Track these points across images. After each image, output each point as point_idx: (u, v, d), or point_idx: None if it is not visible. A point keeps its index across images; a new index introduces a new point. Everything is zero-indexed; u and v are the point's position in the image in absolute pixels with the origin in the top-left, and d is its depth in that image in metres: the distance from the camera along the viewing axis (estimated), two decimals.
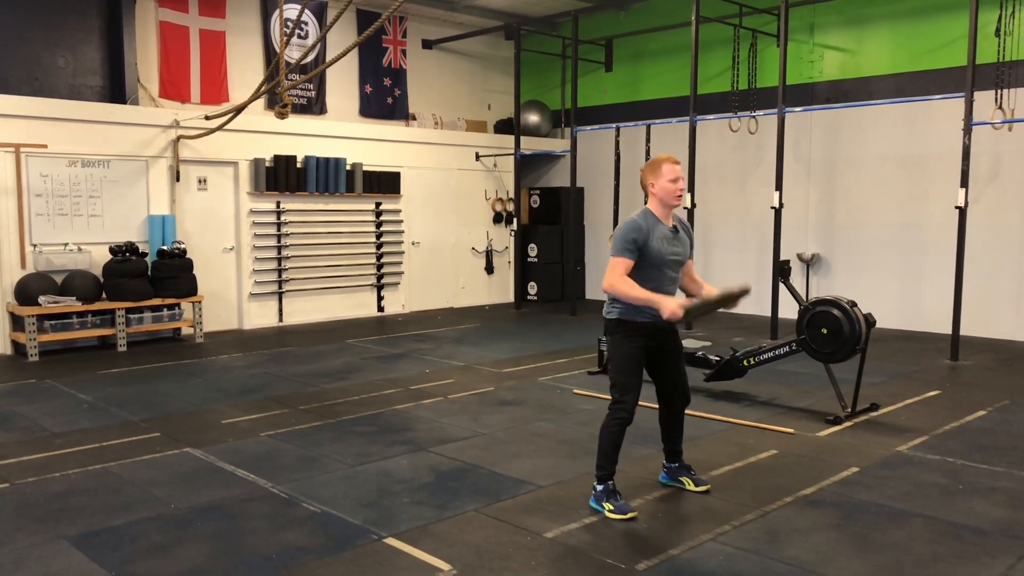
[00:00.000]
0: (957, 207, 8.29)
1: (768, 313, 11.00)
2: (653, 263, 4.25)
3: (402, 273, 11.97)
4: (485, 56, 13.92)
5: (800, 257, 10.99)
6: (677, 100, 12.12)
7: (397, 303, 11.98)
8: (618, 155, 11.15)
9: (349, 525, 4.14)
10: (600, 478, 4.34)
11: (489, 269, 13.03)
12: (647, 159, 10.80)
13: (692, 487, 4.61)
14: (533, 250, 13.04)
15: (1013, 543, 3.88)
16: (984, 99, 8.63)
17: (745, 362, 6.65)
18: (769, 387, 7.06)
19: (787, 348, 6.43)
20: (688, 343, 7.18)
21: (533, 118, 13.20)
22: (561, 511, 4.32)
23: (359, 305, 11.60)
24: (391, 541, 3.95)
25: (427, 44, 13.13)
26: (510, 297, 13.36)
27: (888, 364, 8.13)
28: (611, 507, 4.24)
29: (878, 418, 6.15)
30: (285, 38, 8.03)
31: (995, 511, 4.28)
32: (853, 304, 6.03)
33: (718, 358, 6.82)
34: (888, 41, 10.37)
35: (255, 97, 8.32)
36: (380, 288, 11.77)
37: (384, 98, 12.67)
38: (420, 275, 12.20)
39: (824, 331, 6.07)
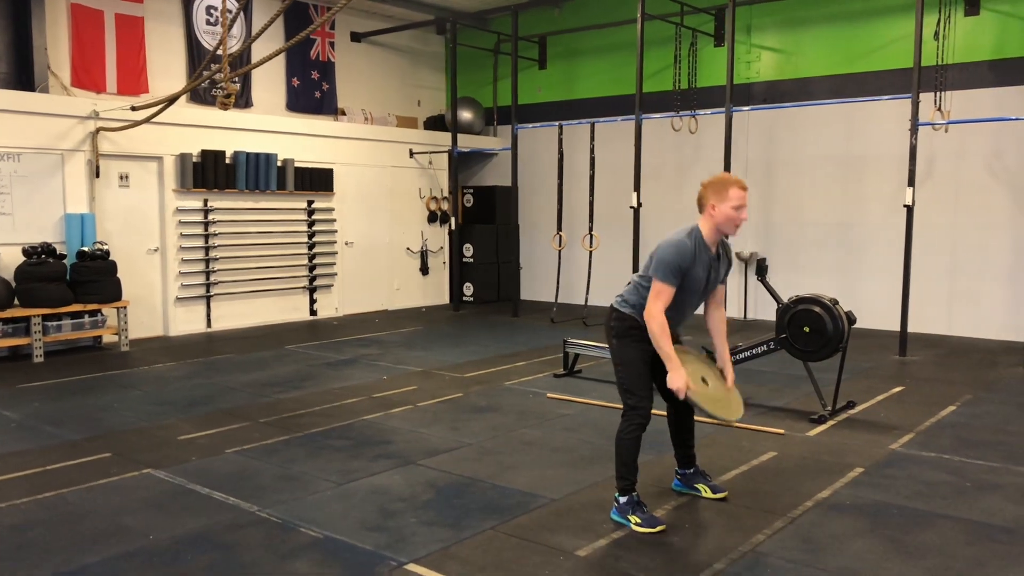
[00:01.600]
0: (905, 205, 8.47)
1: (729, 314, 11.06)
2: (686, 289, 4.03)
3: (335, 275, 11.47)
4: (415, 51, 13.52)
5: (739, 256, 11.07)
6: (613, 99, 12.06)
7: (330, 306, 11.46)
8: (561, 153, 10.97)
9: (361, 552, 3.77)
10: (623, 489, 4.11)
11: (424, 270, 12.66)
12: (591, 157, 10.69)
13: (710, 494, 4.43)
14: (469, 250, 12.74)
15: None
16: (922, 101, 8.84)
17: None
18: (743, 388, 6.97)
19: (766, 347, 6.36)
20: None
21: (466, 115, 12.89)
22: (583, 526, 4.06)
23: (291, 309, 11.04)
24: (413, 568, 3.61)
25: (356, 37, 12.65)
26: (446, 298, 13.03)
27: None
28: (638, 520, 4.02)
29: (858, 416, 6.16)
30: (227, 23, 7.49)
31: (1013, 508, 4.27)
32: (835, 302, 6.00)
33: None
34: (825, 43, 10.55)
35: (192, 86, 7.75)
36: (313, 291, 11.24)
37: (312, 92, 12.12)
38: (354, 277, 11.72)
39: (807, 329, 6.02)
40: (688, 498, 4.43)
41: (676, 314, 4.11)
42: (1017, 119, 8.92)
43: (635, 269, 10.25)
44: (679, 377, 3.94)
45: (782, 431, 5.70)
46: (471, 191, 13.21)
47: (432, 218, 12.71)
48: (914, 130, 8.37)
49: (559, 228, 11.00)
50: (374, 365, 8.09)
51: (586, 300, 10.94)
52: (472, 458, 5.14)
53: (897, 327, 8.70)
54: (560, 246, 11.01)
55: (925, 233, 9.74)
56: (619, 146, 11.51)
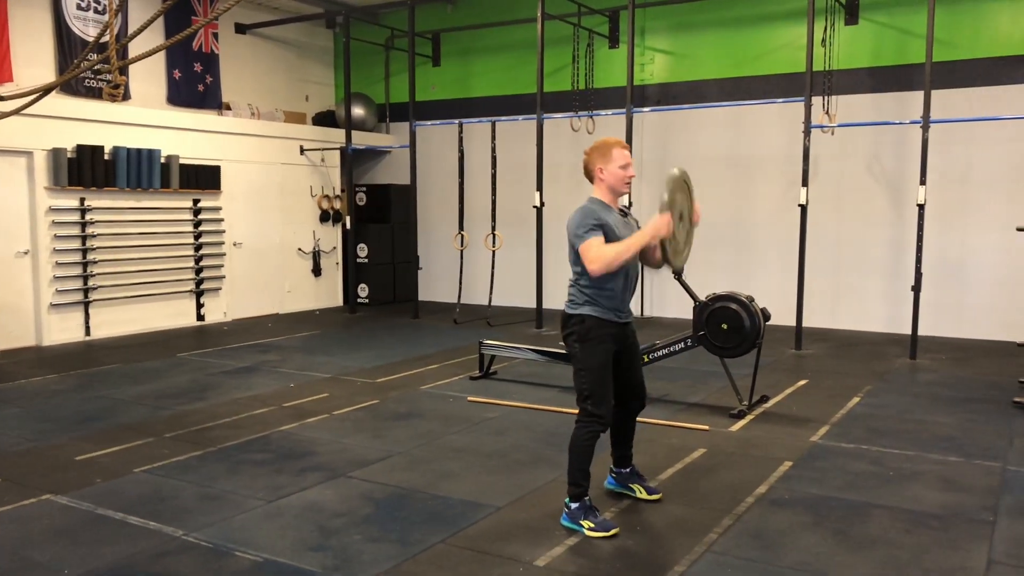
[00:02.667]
0: (800, 205, 8.80)
1: None
2: (614, 241, 3.97)
3: (223, 277, 10.92)
4: (303, 44, 13.05)
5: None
6: (509, 98, 12.02)
7: (219, 310, 10.90)
8: (462, 152, 10.83)
9: (307, 575, 3.54)
10: (575, 495, 4.03)
11: (317, 271, 12.23)
12: (493, 156, 10.60)
13: (644, 495, 4.41)
14: (363, 250, 12.40)
15: (974, 527, 4.04)
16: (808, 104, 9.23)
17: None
18: (656, 384, 7.05)
19: (683, 344, 6.45)
20: None
21: (359, 111, 12.54)
22: (536, 534, 3.96)
23: (177, 314, 10.42)
24: None
25: (240, 28, 12.08)
26: (339, 300, 12.65)
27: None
28: (591, 525, 3.95)
29: (773, 409, 6.33)
30: (115, 8, 6.94)
31: (937, 495, 4.47)
32: (751, 299, 6.15)
33: None
34: (715, 47, 10.85)
35: (73, 75, 7.14)
36: (200, 295, 10.65)
37: (195, 85, 11.48)
38: (243, 279, 11.19)
39: (724, 327, 6.14)
40: (629, 501, 4.39)
41: (622, 284, 4.03)
42: (895, 123, 9.42)
43: (539, 269, 10.25)
44: (658, 224, 3.86)
45: (707, 427, 5.78)
46: (363, 189, 12.86)
47: (324, 217, 12.31)
48: (807, 132, 8.72)
49: (460, 227, 10.86)
50: (277, 372, 7.72)
51: (489, 300, 10.85)
52: (404, 468, 4.95)
53: (788, 322, 9.02)
54: (462, 246, 10.87)
55: (811, 231, 10.08)
56: (516, 145, 11.47)
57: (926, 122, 8.14)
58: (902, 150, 9.79)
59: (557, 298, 11.59)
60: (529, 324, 10.50)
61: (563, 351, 6.91)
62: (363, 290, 12.38)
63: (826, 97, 9.42)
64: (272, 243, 11.57)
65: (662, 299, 11.32)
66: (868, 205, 10.06)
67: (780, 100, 9.51)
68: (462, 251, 10.95)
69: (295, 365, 8.03)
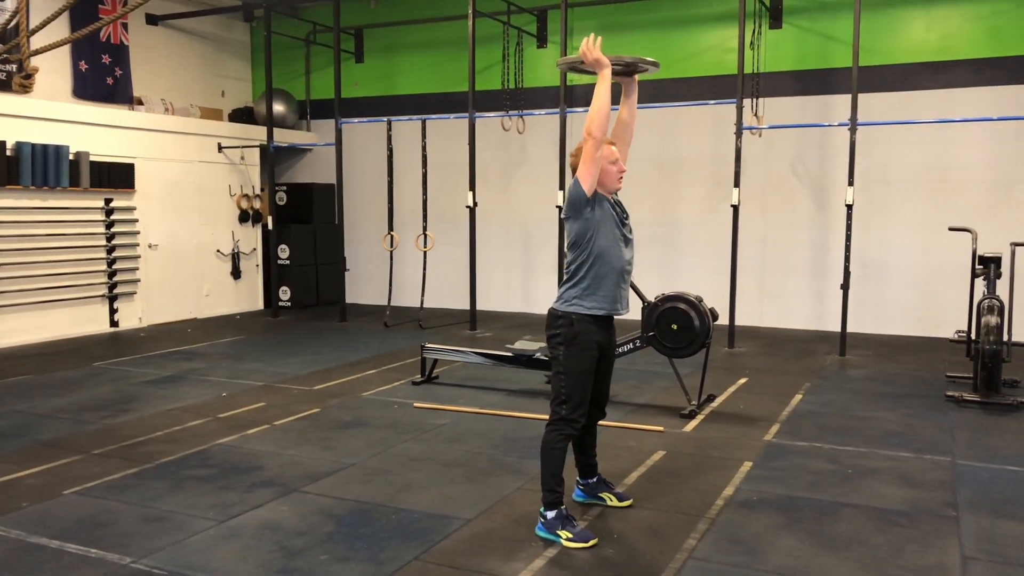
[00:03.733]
0: (732, 205, 8.91)
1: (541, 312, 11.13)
2: (608, 232, 3.90)
3: (138, 281, 10.35)
4: (218, 38, 12.53)
5: (559, 255, 11.22)
6: (435, 96, 11.83)
7: (133, 316, 10.33)
8: (390, 150, 10.56)
9: None
10: (551, 503, 3.91)
11: (236, 274, 11.75)
12: (423, 155, 10.38)
13: (615, 502, 4.32)
14: (284, 251, 11.98)
15: (940, 523, 4.10)
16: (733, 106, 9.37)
17: None
18: None
19: (632, 345, 6.41)
20: (522, 344, 6.93)
21: (278, 108, 12.11)
22: (512, 547, 3.82)
23: (88, 320, 9.82)
24: None
25: (152, 19, 11.49)
26: (260, 304, 12.19)
27: None
28: (569, 535, 3.83)
29: (721, 409, 6.35)
30: None
31: (899, 492, 4.53)
32: (700, 299, 6.15)
33: None
34: (643, 49, 10.91)
35: None
36: (113, 299, 10.06)
37: (103, 77, 10.86)
38: (159, 283, 10.64)
39: (674, 327, 6.13)
40: (599, 509, 4.29)
41: (615, 279, 3.93)
42: (824, 125, 9.65)
43: (472, 270, 10.10)
44: (586, 48, 3.76)
45: (661, 428, 5.75)
46: (283, 188, 12.43)
47: (244, 217, 11.83)
48: (739, 134, 8.84)
49: (390, 228, 10.60)
50: (205, 381, 7.34)
51: (421, 302, 10.62)
52: (360, 480, 4.73)
53: (719, 321, 9.10)
54: (392, 246, 10.60)
55: (739, 231, 10.31)
56: (445, 144, 11.30)
57: (853, 124, 8.36)
58: (825, 152, 10.05)
59: (491, 299, 11.55)
60: (463, 326, 10.33)
61: (508, 354, 6.83)
62: (285, 293, 11.97)
63: (755, 100, 9.58)
64: (189, 245, 11.05)
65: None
66: (792, 206, 10.30)
67: (712, 102, 9.62)
68: (392, 252, 10.69)
69: (224, 373, 7.65)
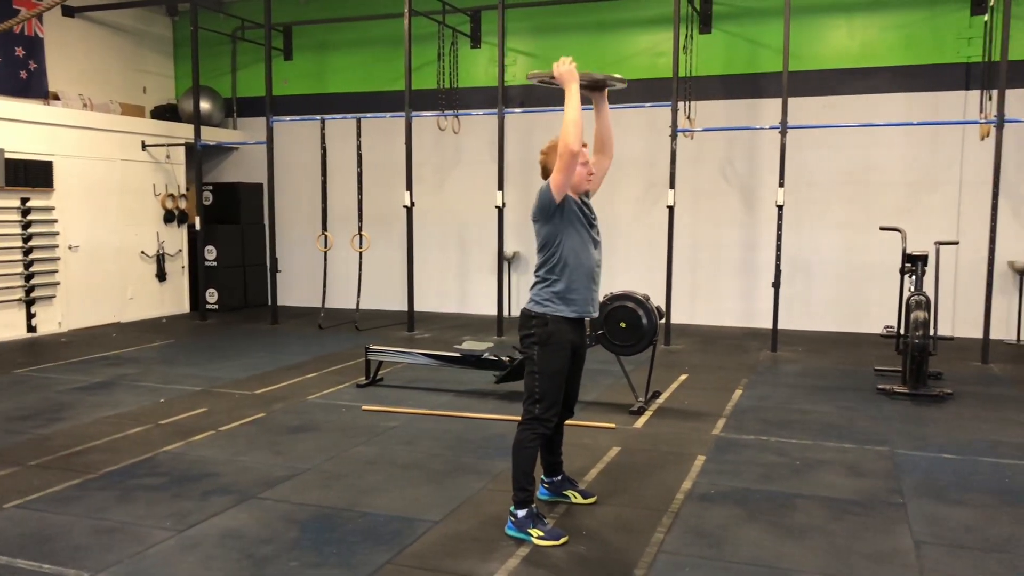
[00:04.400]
0: (668, 206, 9.08)
1: (485, 312, 11.20)
2: (579, 233, 3.97)
3: (58, 284, 9.91)
4: (138, 32, 12.09)
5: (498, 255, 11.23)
6: (367, 95, 11.70)
7: (53, 320, 9.89)
8: (324, 149, 10.38)
9: None
10: (521, 502, 3.92)
11: (161, 276, 11.37)
12: (359, 154, 10.25)
13: (580, 500, 4.37)
14: (211, 253, 11.65)
15: (890, 510, 4.28)
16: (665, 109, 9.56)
17: None
18: None
19: None
20: (469, 345, 6.92)
21: (204, 105, 11.76)
22: (484, 547, 3.82)
23: (4, 326, 9.35)
24: None
25: (69, 11, 11.02)
26: (186, 306, 11.82)
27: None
28: (540, 533, 3.85)
29: (666, 405, 6.48)
30: None
31: (848, 481, 4.71)
32: (647, 297, 6.26)
33: (508, 359, 6.65)
34: (577, 51, 11.01)
35: None
36: (31, 303, 9.61)
37: (16, 71, 10.35)
38: (80, 286, 10.20)
39: (623, 325, 6.22)
40: (564, 506, 4.32)
41: (586, 281, 3.97)
42: (756, 128, 9.91)
43: (410, 271, 10.02)
44: (560, 66, 3.84)
45: (613, 425, 5.82)
46: (209, 188, 12.09)
47: (169, 218, 11.45)
48: (674, 136, 9.01)
49: (324, 228, 10.42)
50: (139, 387, 7.08)
51: (357, 304, 10.48)
52: (319, 485, 4.64)
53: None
54: (326, 247, 10.43)
55: (665, 232, 10.51)
56: (378, 143, 11.19)
57: (784, 127, 8.63)
58: (753, 155, 10.35)
59: (427, 300, 11.46)
60: (400, 327, 10.24)
61: (456, 355, 6.82)
62: (212, 296, 11.64)
63: (687, 103, 9.79)
64: (112, 246, 10.64)
65: (523, 299, 11.36)
66: (721, 207, 10.56)
67: (649, 105, 9.78)
68: (326, 252, 10.51)
69: (158, 378, 7.40)
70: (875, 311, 9.92)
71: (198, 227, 11.07)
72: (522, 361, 6.46)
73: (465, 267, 11.66)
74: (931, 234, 9.12)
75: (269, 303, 10.92)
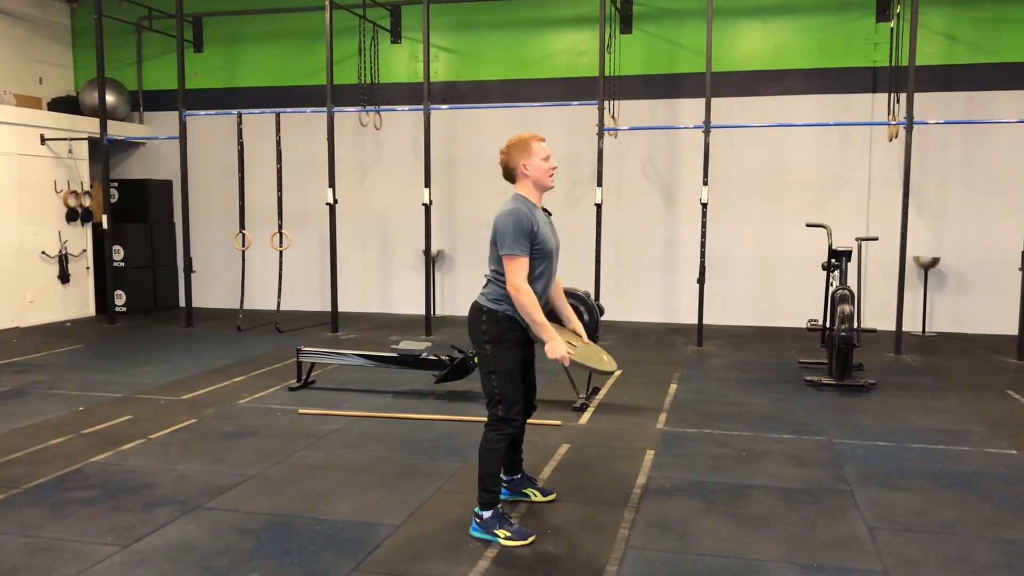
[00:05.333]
0: (596, 204, 9.16)
1: (409, 311, 11.09)
2: (544, 253, 3.89)
3: None
4: (33, 19, 11.42)
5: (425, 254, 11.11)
6: (284, 90, 11.39)
7: None
8: (241, 144, 10.02)
9: None
10: (487, 503, 3.86)
11: (64, 277, 10.75)
12: (278, 150, 9.95)
13: (540, 498, 4.34)
14: (119, 253, 11.10)
15: (839, 498, 4.41)
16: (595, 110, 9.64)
17: (476, 359, 6.50)
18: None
19: None
20: (407, 345, 6.80)
21: (109, 98, 11.19)
22: (450, 550, 3.74)
23: None
24: None
25: None
26: (91, 309, 11.23)
27: None
28: (508, 534, 3.80)
29: (606, 401, 6.52)
30: None
31: (794, 471, 4.83)
32: (588, 294, 6.29)
33: (448, 358, 6.56)
34: (499, 48, 11.00)
35: None
36: None
37: None
38: None
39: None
40: (525, 505, 4.28)
41: (544, 285, 3.95)
42: (680, 128, 10.09)
43: (333, 270, 9.79)
44: (558, 346, 3.81)
45: (559, 422, 5.82)
46: (115, 185, 11.50)
47: (72, 216, 10.85)
48: (601, 135, 9.09)
49: (242, 226, 10.07)
50: (53, 395, 6.67)
51: (278, 304, 10.15)
52: (266, 492, 4.46)
53: None
54: (243, 246, 10.08)
55: (594, 229, 10.62)
56: (296, 139, 10.91)
57: (708, 127, 8.82)
58: (673, 153, 10.55)
59: (348, 300, 11.20)
60: (323, 328, 10.00)
61: (393, 355, 6.69)
62: (120, 298, 11.09)
63: (612, 102, 9.90)
64: (10, 246, 10.00)
65: (454, 298, 11.30)
66: (643, 205, 10.73)
67: (576, 103, 9.85)
68: (244, 252, 10.16)
69: (73, 385, 6.99)
70: (789, 306, 10.28)
71: (105, 226, 10.51)
72: (463, 360, 6.46)
73: (387, 266, 11.49)
74: (842, 231, 9.52)
75: (182, 305, 10.49)
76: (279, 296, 10.13)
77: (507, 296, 3.85)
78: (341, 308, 10.68)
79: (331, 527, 3.98)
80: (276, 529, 3.95)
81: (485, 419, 3.97)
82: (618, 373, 7.49)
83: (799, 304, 10.15)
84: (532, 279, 3.84)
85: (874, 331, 7.48)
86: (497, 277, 3.92)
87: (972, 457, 5.09)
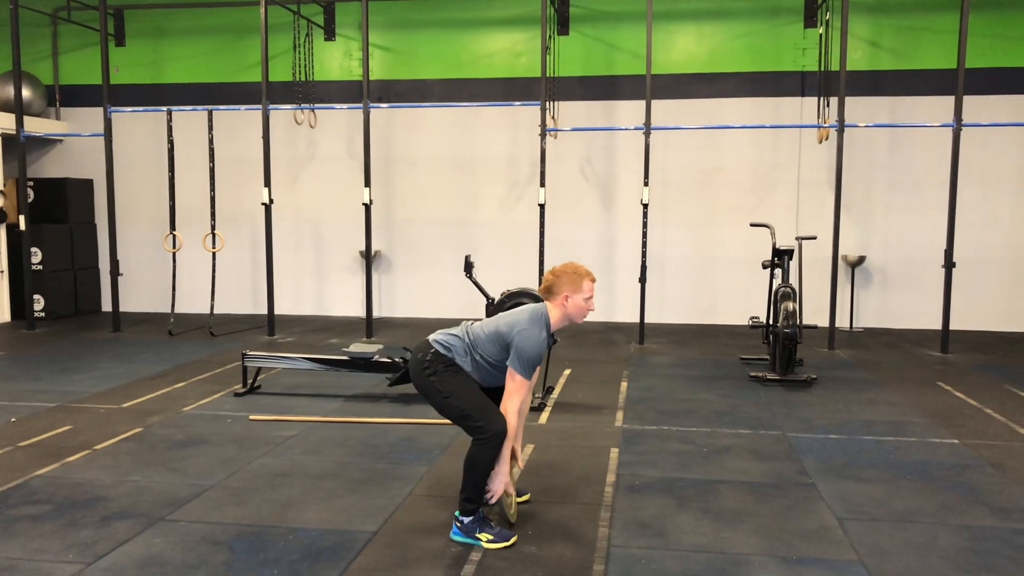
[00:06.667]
0: (540, 204, 9.19)
1: (346, 313, 10.95)
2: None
3: None
4: None
5: (362, 254, 10.94)
6: (211, 86, 11.05)
7: None
8: (171, 143, 9.65)
9: None
10: (469, 510, 3.81)
11: None
12: (211, 149, 9.65)
13: (515, 499, 4.31)
14: (36, 255, 10.56)
15: (804, 490, 4.52)
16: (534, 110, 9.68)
17: None
18: None
19: None
20: (359, 347, 6.68)
21: (24, 92, 10.63)
22: (434, 556, 3.68)
23: None
24: None
25: None
26: (6, 315, 10.67)
27: None
28: (490, 536, 3.77)
29: (562, 400, 6.54)
30: None
31: (756, 465, 4.93)
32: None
33: (402, 360, 6.47)
34: (436, 47, 10.92)
35: None
36: None
37: None
38: None
39: None
40: (499, 507, 4.25)
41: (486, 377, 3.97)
42: (621, 129, 10.20)
43: (269, 272, 9.54)
44: (501, 482, 3.84)
45: None
46: (30, 184, 10.96)
47: None
48: (543, 135, 9.12)
49: (172, 227, 9.71)
50: None
51: (211, 308, 9.82)
52: (231, 502, 4.31)
53: None
54: (175, 247, 9.73)
55: (534, 229, 10.64)
56: (224, 137, 10.56)
57: (648, 128, 8.95)
58: (610, 155, 10.67)
59: (281, 303, 10.90)
60: (259, 332, 9.74)
61: (343, 358, 6.57)
62: (38, 303, 10.56)
63: (552, 103, 9.94)
64: None
65: (392, 299, 11.17)
66: (581, 205, 10.81)
67: (518, 104, 9.86)
68: (175, 253, 9.81)
69: (0, 396, 6.62)
70: (724, 304, 10.52)
71: (22, 227, 9.99)
72: None
73: (321, 267, 11.27)
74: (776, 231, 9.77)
75: (105, 309, 10.07)
76: (212, 299, 9.81)
77: (468, 361, 3.87)
78: (275, 311, 10.44)
79: (306, 535, 3.87)
80: (249, 540, 3.82)
81: (447, 422, 3.93)
82: (568, 372, 7.53)
83: (734, 302, 10.42)
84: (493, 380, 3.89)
85: (815, 327, 7.71)
86: (470, 346, 3.89)
87: (919, 447, 5.29)
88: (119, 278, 9.97)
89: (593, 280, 4.00)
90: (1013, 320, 10.06)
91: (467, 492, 3.80)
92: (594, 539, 3.84)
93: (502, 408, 3.78)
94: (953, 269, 8.51)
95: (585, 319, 4.02)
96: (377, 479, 4.66)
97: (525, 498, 4.33)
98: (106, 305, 11.32)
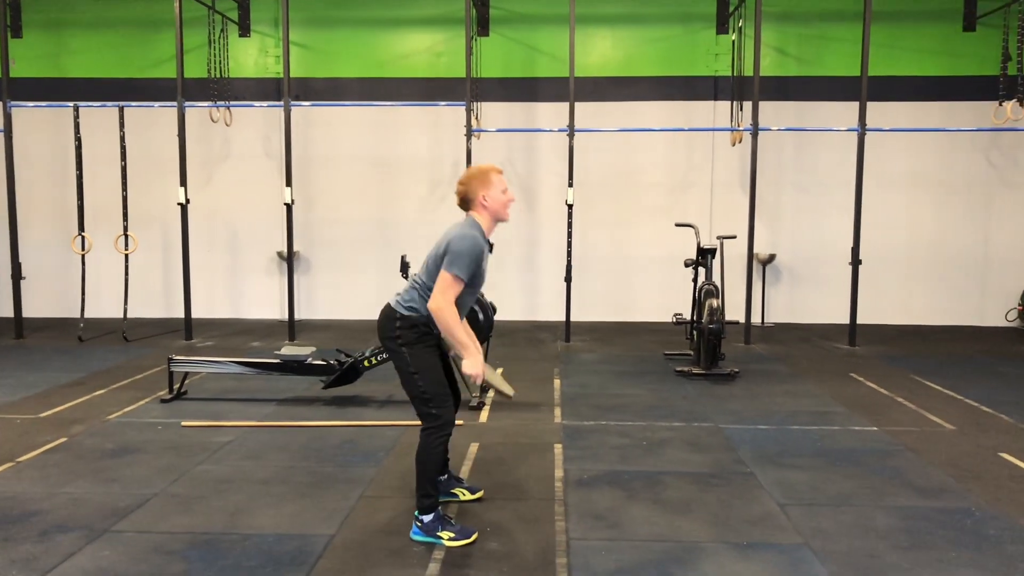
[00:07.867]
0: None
1: (264, 316, 10.76)
2: (476, 284, 3.91)
3: None
4: None
5: (280, 255, 10.74)
6: (117, 82, 10.64)
7: None
8: (79, 140, 9.20)
9: None
10: (427, 507, 3.83)
11: None
12: (123, 147, 9.28)
13: (468, 496, 4.35)
14: None
15: (744, 479, 4.71)
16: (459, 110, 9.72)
17: (366, 363, 6.39)
18: (376, 387, 6.85)
19: None
20: (291, 350, 6.56)
21: None
22: (396, 556, 3.68)
23: None
24: None
25: None
26: None
27: None
28: (451, 535, 3.80)
29: (500, 398, 6.55)
30: None
31: (696, 457, 5.11)
32: (482, 294, 6.32)
33: (337, 362, 6.40)
34: (354, 45, 10.80)
35: None
36: None
37: None
38: None
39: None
40: (454, 505, 4.27)
41: (462, 313, 3.97)
42: (547, 131, 10.32)
43: (186, 274, 9.25)
44: (477, 363, 3.83)
45: (461, 421, 5.78)
46: None
47: None
48: (469, 136, 9.15)
49: (81, 228, 9.29)
50: None
51: (124, 312, 9.43)
52: (177, 510, 4.19)
53: None
54: (83, 249, 9.31)
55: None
56: (133, 134, 10.18)
57: (572, 130, 9.10)
58: (531, 156, 10.79)
59: (196, 306, 10.54)
60: (175, 336, 9.43)
61: (275, 361, 6.45)
62: None
63: (476, 103, 9.98)
64: None
65: (311, 301, 10.99)
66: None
67: (442, 104, 9.86)
68: (84, 256, 9.38)
69: None
70: (643, 302, 10.80)
71: None
72: (352, 365, 6.32)
73: (237, 269, 11.00)
74: (689, 231, 10.09)
75: (7, 315, 9.54)
76: (125, 303, 9.42)
77: (426, 310, 3.83)
78: (203, 316, 10.17)
79: (262, 541, 3.80)
80: (202, 548, 3.73)
81: (390, 423, 3.92)
82: (500, 371, 7.58)
83: (652, 300, 10.70)
84: (456, 305, 3.84)
85: (738, 323, 8.00)
86: (424, 288, 3.88)
87: (843, 435, 5.58)
88: (21, 282, 9.48)
89: (499, 172, 3.99)
90: (910, 314, 10.68)
91: (422, 488, 3.82)
92: (552, 533, 3.92)
93: (432, 302, 3.72)
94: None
95: (509, 211, 3.99)
96: (326, 482, 4.61)
97: (479, 495, 4.36)
98: (11, 310, 10.71)
